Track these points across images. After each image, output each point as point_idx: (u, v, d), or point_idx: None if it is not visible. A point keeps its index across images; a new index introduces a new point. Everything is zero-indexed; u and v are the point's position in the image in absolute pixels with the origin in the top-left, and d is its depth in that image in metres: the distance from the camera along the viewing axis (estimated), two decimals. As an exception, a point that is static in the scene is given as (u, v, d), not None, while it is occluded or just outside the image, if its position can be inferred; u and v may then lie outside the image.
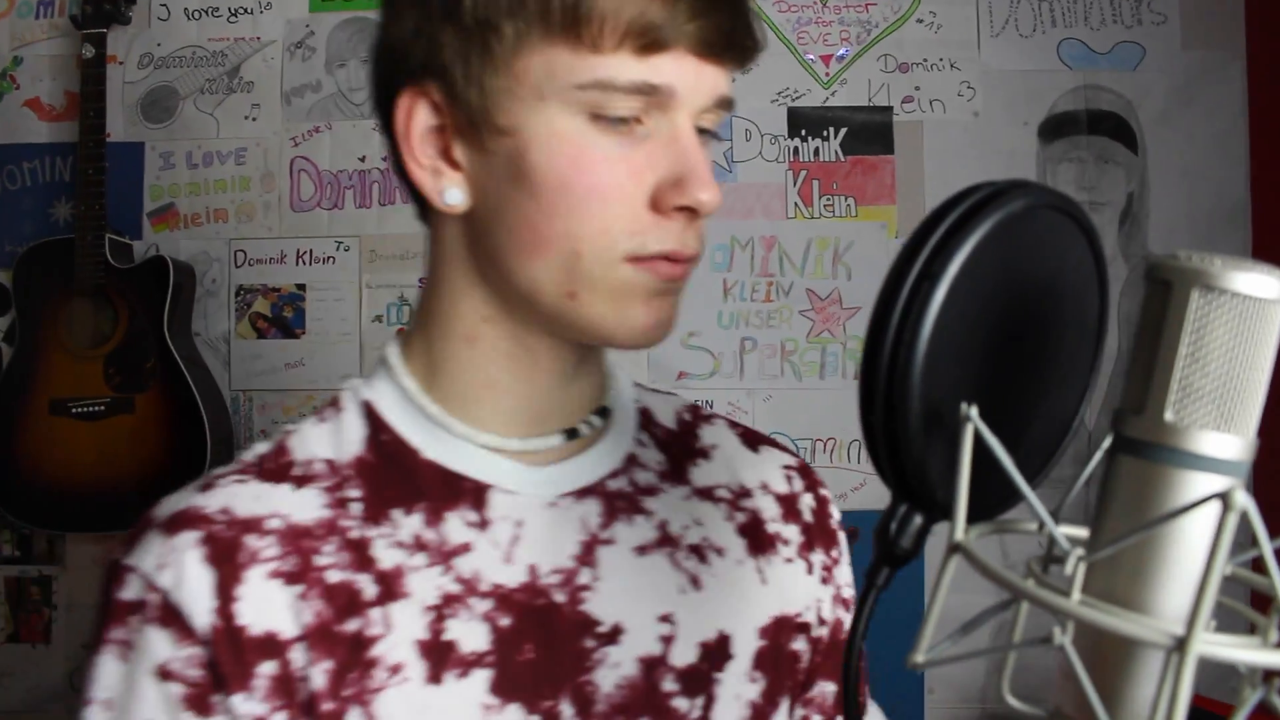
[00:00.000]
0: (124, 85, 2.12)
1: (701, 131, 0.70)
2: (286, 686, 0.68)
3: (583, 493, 0.77)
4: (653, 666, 0.75)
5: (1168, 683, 0.37)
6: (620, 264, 0.68)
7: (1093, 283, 0.53)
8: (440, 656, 0.70)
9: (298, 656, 0.69)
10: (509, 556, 0.73)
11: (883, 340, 0.46)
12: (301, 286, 2.09)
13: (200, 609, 0.68)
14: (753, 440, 0.90)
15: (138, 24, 2.11)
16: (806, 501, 0.88)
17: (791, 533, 0.86)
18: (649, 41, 0.65)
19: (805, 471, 0.90)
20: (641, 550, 0.78)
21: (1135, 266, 2.01)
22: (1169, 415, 0.42)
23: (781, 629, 0.82)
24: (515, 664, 0.71)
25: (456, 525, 0.73)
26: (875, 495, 1.90)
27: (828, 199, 2.06)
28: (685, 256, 0.69)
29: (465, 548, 0.73)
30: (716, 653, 0.78)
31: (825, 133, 2.05)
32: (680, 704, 0.76)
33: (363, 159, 2.10)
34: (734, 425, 0.90)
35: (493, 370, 0.75)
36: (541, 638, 0.73)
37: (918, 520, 0.50)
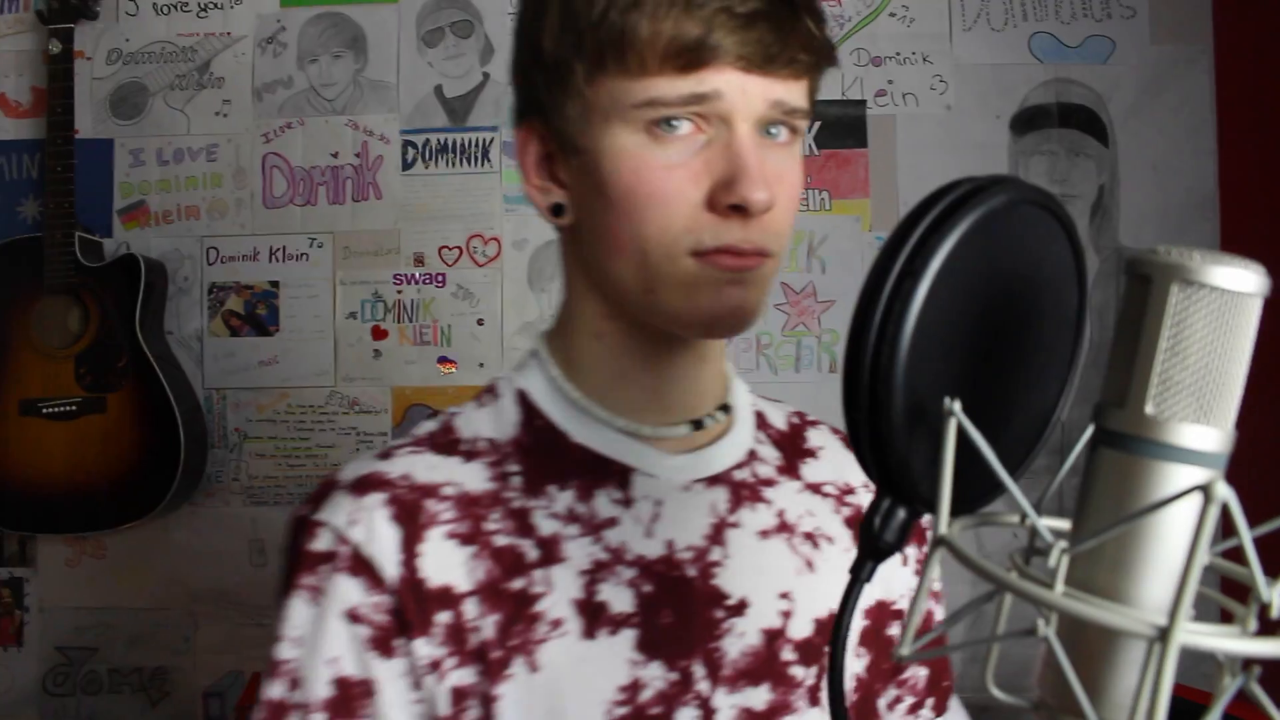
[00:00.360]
0: (92, 81, 2.10)
1: (780, 129, 0.76)
2: (459, 635, 0.78)
3: (712, 480, 0.86)
4: (773, 637, 0.84)
5: (1150, 672, 0.38)
6: (684, 258, 0.75)
7: (1071, 277, 0.53)
8: (594, 615, 0.79)
9: (470, 609, 0.78)
10: (649, 532, 0.82)
11: (866, 337, 0.46)
12: (275, 284, 2.08)
13: (389, 561, 0.77)
14: None
15: (105, 19, 2.09)
16: None
17: None
18: (687, 60, 0.72)
19: None
20: (764, 534, 0.86)
21: (1107, 259, 2.03)
22: (1149, 408, 0.42)
23: (881, 612, 0.92)
24: (657, 627, 0.80)
25: (604, 502, 0.82)
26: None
27: (802, 192, 2.06)
28: (746, 250, 0.74)
29: (612, 521, 0.82)
30: (828, 628, 0.85)
31: (799, 127, 2.06)
32: (797, 672, 0.84)
33: (335, 155, 2.09)
34: (835, 431, 0.99)
35: (621, 363, 0.84)
36: (677, 605, 0.81)
37: (901, 514, 0.50)
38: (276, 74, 2.10)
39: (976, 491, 0.50)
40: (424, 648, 0.77)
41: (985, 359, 0.50)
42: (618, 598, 0.80)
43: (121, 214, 2.09)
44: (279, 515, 2.05)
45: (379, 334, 2.07)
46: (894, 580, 0.93)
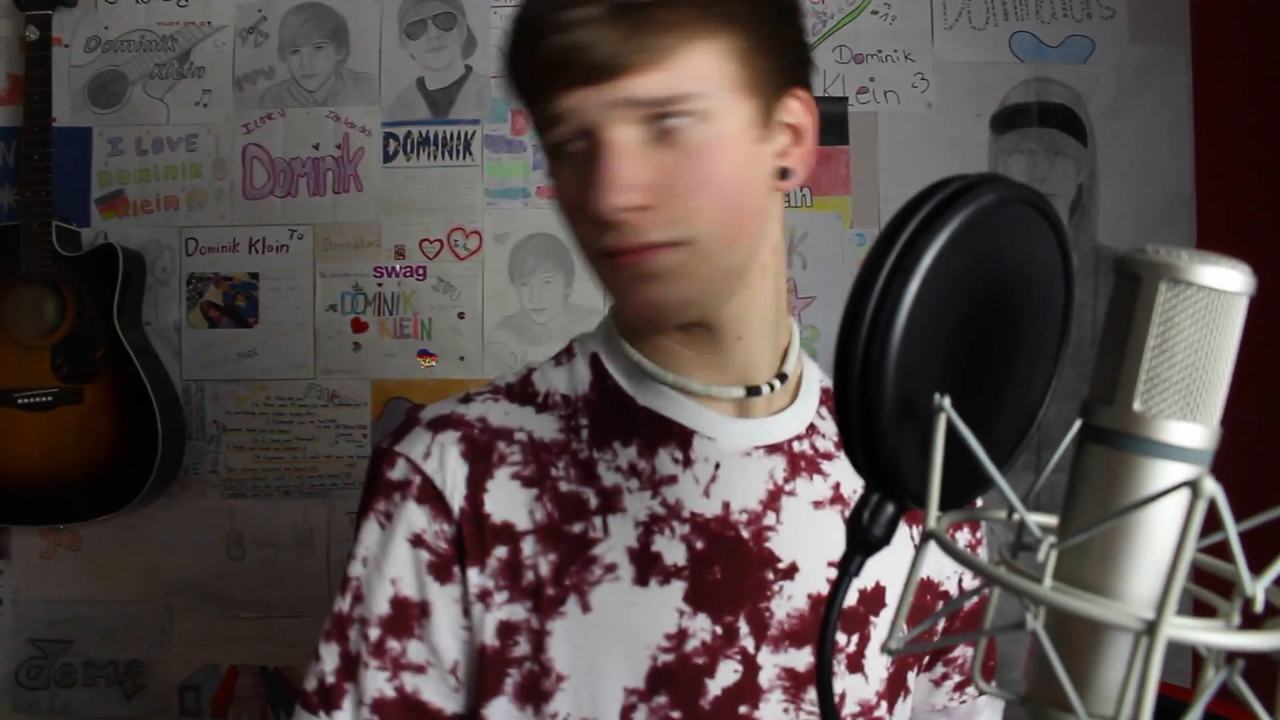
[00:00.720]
0: (70, 69, 2.07)
1: (668, 120, 0.76)
2: (515, 571, 0.84)
3: (771, 449, 0.89)
4: (819, 603, 0.87)
5: (1137, 665, 0.38)
6: (600, 260, 0.81)
7: (1058, 275, 0.54)
8: (647, 564, 0.84)
9: (528, 547, 0.84)
10: (707, 492, 0.86)
11: (857, 332, 0.47)
12: (254, 275, 2.07)
13: (456, 493, 0.85)
14: None
15: (84, 6, 2.07)
16: None
17: None
18: (535, 95, 0.79)
19: None
20: (817, 505, 0.89)
21: (1085, 257, 2.04)
22: (1137, 405, 0.43)
23: (926, 590, 0.96)
24: (706, 581, 0.84)
25: (665, 460, 0.87)
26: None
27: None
28: (626, 248, 0.78)
29: (671, 479, 0.86)
30: (873, 600, 0.90)
31: (781, 123, 2.06)
32: (839, 638, 0.88)
33: (316, 146, 2.07)
34: None
35: (662, 339, 0.88)
36: (727, 563, 0.85)
37: (890, 509, 0.51)
38: (257, 64, 2.09)
39: (963, 487, 0.51)
40: (476, 577, 0.84)
41: (973, 355, 0.51)
42: (670, 550, 0.85)
43: (99, 203, 2.08)
44: (257, 508, 2.04)
45: (359, 327, 2.06)
46: (942, 562, 0.97)
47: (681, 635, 0.84)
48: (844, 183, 2.06)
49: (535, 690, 0.84)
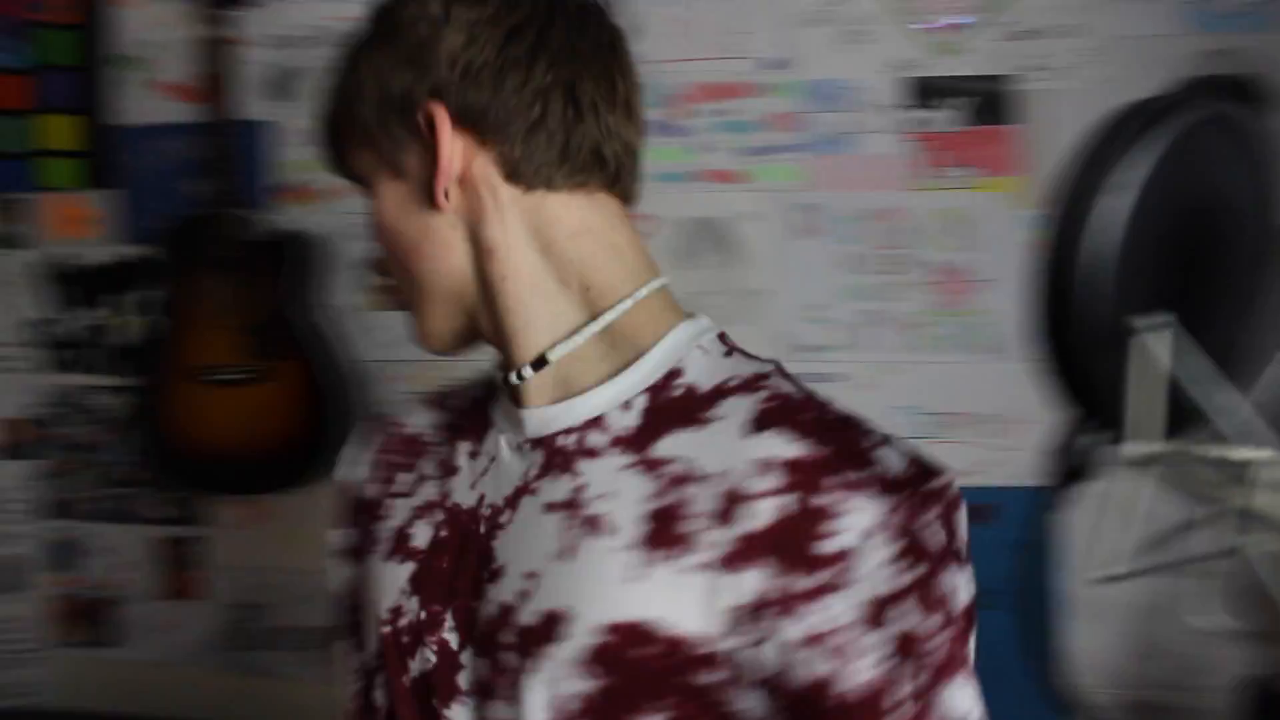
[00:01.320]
0: (254, 65, 2.17)
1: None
2: (351, 538, 1.00)
3: (536, 442, 0.84)
4: (506, 614, 0.80)
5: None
6: None
7: (1265, 200, 0.52)
8: (398, 544, 0.92)
9: (362, 519, 0.98)
10: (474, 484, 0.89)
11: (1073, 256, 0.46)
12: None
13: (354, 470, 1.04)
14: (768, 423, 0.76)
15: (267, 5, 2.17)
16: (770, 506, 0.72)
17: (718, 538, 0.73)
18: None
19: (812, 470, 0.72)
20: (549, 508, 0.81)
21: (1271, 235, 1.95)
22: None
23: (646, 639, 0.73)
24: (430, 568, 0.88)
25: (460, 453, 0.92)
26: (1009, 472, 1.88)
27: (949, 170, 2.03)
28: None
29: (455, 471, 0.91)
30: (550, 627, 0.77)
31: (946, 103, 2.02)
32: (509, 658, 0.79)
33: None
34: (774, 401, 0.78)
35: None
36: (456, 556, 0.87)
37: (1100, 437, 0.50)
38: (431, 58, 2.15)
39: (1174, 420, 0.50)
40: (342, 539, 1.01)
41: (1179, 282, 0.50)
42: (420, 534, 0.90)
43: (284, 192, 2.18)
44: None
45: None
46: (692, 608, 0.72)
47: (398, 612, 0.89)
48: (1015, 162, 2.00)
49: (358, 637, 0.98)
